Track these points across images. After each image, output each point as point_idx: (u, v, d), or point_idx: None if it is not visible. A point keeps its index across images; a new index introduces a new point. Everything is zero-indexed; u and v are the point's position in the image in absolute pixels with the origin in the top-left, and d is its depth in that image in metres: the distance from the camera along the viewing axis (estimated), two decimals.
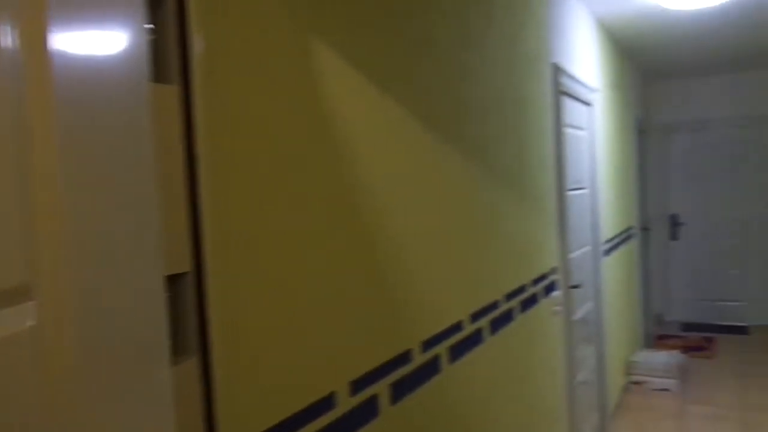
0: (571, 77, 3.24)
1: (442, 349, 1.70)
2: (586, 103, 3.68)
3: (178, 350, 0.89)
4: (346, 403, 1.27)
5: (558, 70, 2.96)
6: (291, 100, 1.14)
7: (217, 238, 0.95)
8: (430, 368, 1.64)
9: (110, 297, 0.66)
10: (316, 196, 1.20)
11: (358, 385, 1.31)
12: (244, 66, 1.02)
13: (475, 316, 1.94)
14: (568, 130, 3.23)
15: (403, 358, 1.50)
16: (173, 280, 0.88)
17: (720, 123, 6.38)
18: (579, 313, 3.34)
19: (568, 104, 3.25)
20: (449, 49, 1.81)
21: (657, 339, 5.99)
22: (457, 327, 1.80)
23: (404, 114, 1.54)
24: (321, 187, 1.21)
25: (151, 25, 0.85)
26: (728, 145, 6.37)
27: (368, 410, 1.35)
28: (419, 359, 1.57)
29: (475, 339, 1.93)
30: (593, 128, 3.77)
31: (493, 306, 2.10)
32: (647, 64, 5.68)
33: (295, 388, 1.12)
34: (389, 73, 1.48)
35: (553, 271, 2.83)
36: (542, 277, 2.66)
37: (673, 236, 6.66)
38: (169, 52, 0.87)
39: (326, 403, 1.21)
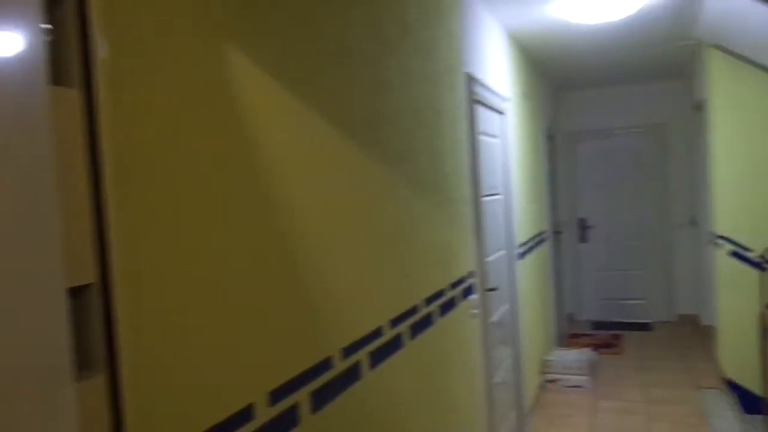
0: (485, 87, 3.34)
1: (362, 355, 1.71)
2: (499, 112, 3.81)
3: (83, 366, 0.84)
4: (264, 414, 1.25)
5: (472, 80, 3.05)
6: (202, 105, 1.11)
7: (124, 247, 0.91)
8: (351, 375, 1.63)
9: (5, 310, 0.62)
10: (230, 202, 1.18)
11: (277, 395, 1.29)
12: (151, 70, 0.99)
13: (395, 322, 1.96)
14: (483, 138, 3.33)
15: (324, 365, 1.49)
16: (77, 292, 0.84)
17: (621, 131, 6.77)
18: (496, 315, 3.43)
19: (482, 113, 3.35)
20: (365, 59, 1.83)
21: (569, 338, 6.25)
22: (377, 333, 1.81)
23: (320, 121, 1.54)
24: (236, 192, 1.19)
25: (50, 26, 0.81)
26: (629, 152, 6.77)
27: (288, 420, 1.33)
28: (340, 366, 1.57)
29: (395, 344, 1.95)
30: (506, 136, 3.90)
31: (413, 311, 2.12)
32: (555, 75, 5.95)
33: (211, 402, 1.09)
34: (304, 80, 1.47)
35: (471, 275, 2.90)
36: (460, 281, 2.72)
37: (582, 239, 6.98)
38: (69, 54, 0.83)
39: (244, 415, 1.18)
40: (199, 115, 1.10)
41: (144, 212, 0.96)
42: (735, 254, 4.41)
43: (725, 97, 4.41)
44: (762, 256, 3.56)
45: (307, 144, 1.47)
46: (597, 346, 5.82)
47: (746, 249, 4.34)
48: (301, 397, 1.39)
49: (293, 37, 1.43)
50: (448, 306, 2.53)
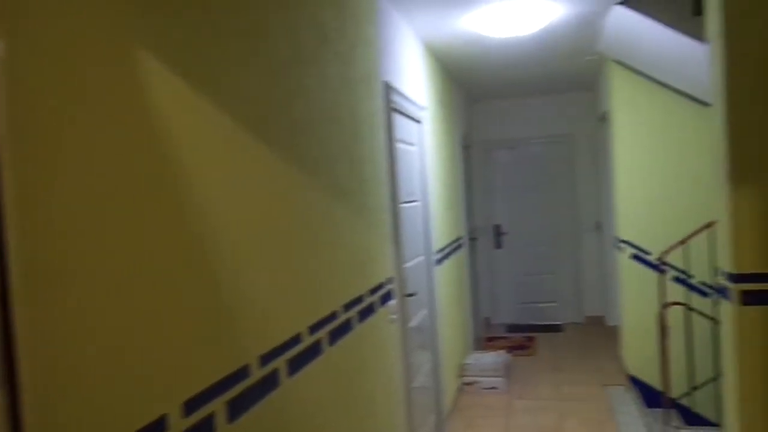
0: (402, 95, 3.40)
1: (280, 362, 1.69)
2: (416, 120, 3.88)
3: None
4: (178, 425, 1.21)
5: (389, 89, 3.09)
6: (110, 107, 1.07)
7: (24, 258, 0.87)
8: (269, 383, 1.61)
9: None
10: (141, 207, 1.14)
11: (192, 405, 1.26)
12: (53, 69, 0.95)
13: (314, 328, 1.95)
14: (400, 146, 3.38)
15: (241, 373, 1.46)
16: None
17: (533, 141, 7.06)
18: (414, 321, 3.48)
19: (400, 121, 3.40)
20: (282, 65, 1.82)
21: (486, 341, 6.43)
22: (295, 339, 1.80)
23: (236, 126, 1.52)
24: (147, 198, 1.16)
25: None
26: (540, 161, 7.06)
27: (204, 430, 1.30)
28: (257, 374, 1.55)
29: (313, 351, 1.94)
30: (423, 144, 3.98)
31: (332, 317, 2.12)
32: (470, 86, 6.13)
33: (120, 414, 1.05)
34: (219, 84, 1.45)
35: (389, 280, 2.93)
36: (379, 287, 2.74)
37: (498, 245, 7.20)
38: None
39: (157, 426, 1.14)
40: (107, 117, 1.06)
41: (46, 215, 0.92)
42: (636, 257, 4.68)
43: (625, 109, 4.69)
44: (659, 259, 3.80)
45: (223, 149, 1.45)
46: (512, 349, 6.01)
47: (646, 252, 4.62)
48: (217, 406, 1.36)
49: (207, 41, 1.41)
50: (367, 312, 2.54)
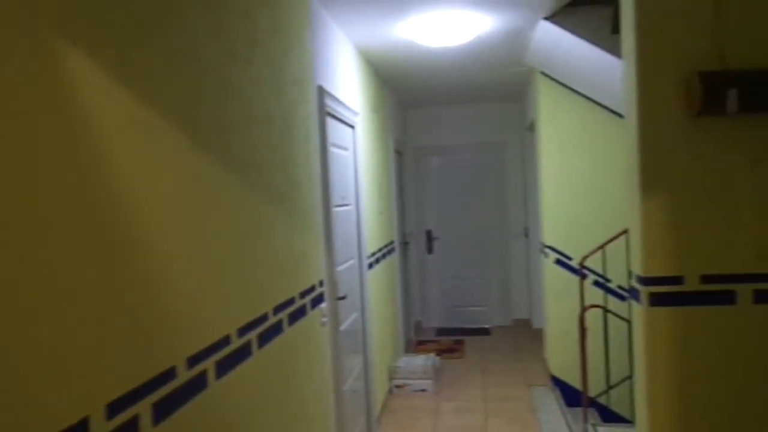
0: (336, 100, 3.43)
1: (209, 364, 1.68)
2: (350, 125, 3.92)
3: None
4: (101, 428, 1.19)
5: (323, 93, 3.12)
6: (27, 103, 1.05)
7: None
8: (197, 385, 1.60)
9: None
10: (64, 207, 1.12)
11: (115, 408, 1.24)
12: None
13: (244, 330, 1.95)
14: (334, 150, 3.41)
15: (167, 375, 1.45)
16: None
17: (464, 148, 7.23)
18: (345, 324, 3.51)
19: (333, 125, 3.43)
20: (216, 67, 1.82)
21: (417, 345, 6.52)
22: (224, 341, 1.79)
23: (166, 126, 1.51)
24: (70, 197, 1.14)
25: None
26: (471, 168, 7.25)
27: None
28: (184, 376, 1.54)
29: (243, 353, 1.94)
30: (356, 149, 4.02)
31: (263, 319, 2.12)
32: (403, 93, 6.23)
33: (40, 417, 1.03)
34: (148, 84, 1.44)
35: (321, 283, 2.95)
36: (310, 290, 2.75)
37: (429, 250, 7.33)
38: None
39: (78, 429, 1.12)
40: (23, 112, 1.04)
41: None
42: (559, 262, 4.88)
43: (550, 120, 4.89)
44: (580, 264, 3.99)
45: (150, 148, 1.44)
46: (441, 352, 6.12)
47: (568, 258, 4.83)
48: (142, 409, 1.34)
49: (138, 42, 1.40)
50: (298, 314, 2.55)
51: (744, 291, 2.11)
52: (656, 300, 2.13)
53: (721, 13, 2.10)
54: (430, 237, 7.32)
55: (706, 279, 2.12)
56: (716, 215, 2.11)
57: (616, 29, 3.42)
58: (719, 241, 2.11)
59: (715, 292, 2.12)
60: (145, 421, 1.35)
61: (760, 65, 2.07)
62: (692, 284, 2.13)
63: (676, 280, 2.13)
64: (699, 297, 2.13)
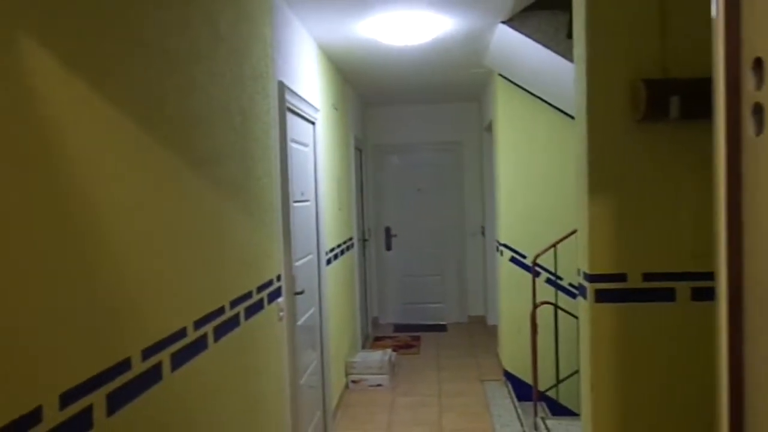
0: (296, 95, 3.44)
1: (164, 356, 1.69)
2: (310, 121, 3.93)
3: None
4: (54, 417, 1.20)
5: (284, 88, 3.13)
6: None
7: None
8: (151, 376, 1.61)
9: None
10: (18, 195, 1.13)
11: (69, 397, 1.25)
12: None
13: (200, 323, 1.96)
14: (294, 146, 3.42)
15: (122, 366, 1.46)
16: None
17: (423, 147, 7.32)
18: (303, 319, 3.53)
19: (294, 121, 3.45)
20: (175, 60, 1.82)
21: (374, 340, 6.58)
22: (180, 334, 1.80)
23: (124, 118, 1.51)
24: (25, 185, 1.14)
25: None
26: (430, 167, 7.34)
27: (81, 423, 1.29)
28: (139, 367, 1.55)
29: (199, 346, 1.95)
30: (316, 145, 4.04)
31: (219, 312, 2.14)
32: (364, 90, 6.27)
33: None
34: (109, 76, 1.44)
35: (279, 278, 2.97)
36: (268, 284, 2.77)
37: (388, 247, 7.39)
38: None
39: (31, 418, 1.13)
40: None
41: None
42: (514, 260, 5.01)
43: (507, 121, 5.01)
44: (533, 262, 4.10)
45: (109, 140, 1.44)
46: (398, 347, 6.20)
47: (522, 256, 4.95)
48: (96, 399, 1.35)
49: (97, 31, 1.40)
50: (256, 308, 2.57)
51: (682, 288, 2.22)
52: (601, 296, 2.23)
53: (666, 24, 2.21)
54: (388, 234, 7.38)
55: (647, 277, 2.23)
56: (658, 216, 2.22)
57: (571, 34, 3.53)
58: (660, 240, 2.22)
59: (656, 290, 2.23)
60: (99, 411, 1.36)
61: (700, 74, 2.18)
62: (635, 281, 2.23)
63: (620, 277, 2.23)
64: (641, 294, 2.23)
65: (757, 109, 0.57)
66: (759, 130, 0.57)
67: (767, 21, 0.53)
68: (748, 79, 0.58)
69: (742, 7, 0.58)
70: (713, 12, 0.62)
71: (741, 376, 0.63)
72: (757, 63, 0.56)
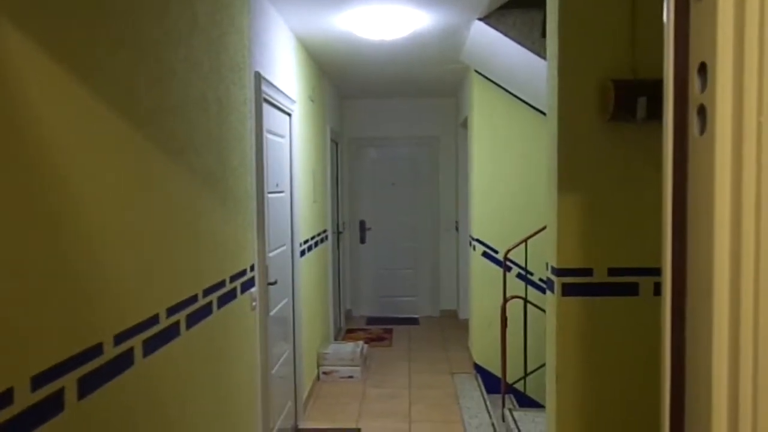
0: (273, 87, 3.45)
1: (136, 342, 1.70)
2: (287, 113, 3.94)
3: None
4: (26, 399, 1.21)
5: (260, 79, 3.14)
6: None
7: None
8: (123, 361, 1.63)
9: None
10: None
11: (40, 380, 1.26)
12: None
13: (172, 310, 1.97)
14: (269, 137, 3.43)
15: (94, 351, 1.47)
16: None
17: (399, 141, 7.36)
18: (275, 309, 3.55)
19: (270, 112, 3.45)
20: (151, 48, 1.83)
21: (346, 332, 6.61)
22: (153, 320, 1.82)
23: (100, 103, 1.52)
24: (1, 173, 1.15)
25: None
26: (405, 161, 7.39)
27: (52, 406, 1.30)
28: (111, 352, 1.56)
29: (171, 333, 1.96)
30: (292, 136, 4.05)
31: (192, 300, 2.15)
32: (341, 83, 6.28)
33: None
34: (85, 62, 1.45)
35: (252, 268, 2.98)
36: (241, 274, 2.79)
37: (362, 240, 7.43)
38: None
39: (2, 399, 1.14)
40: None
41: None
42: (486, 255, 5.08)
43: (482, 117, 5.06)
44: (504, 257, 4.17)
45: (84, 125, 1.45)
46: (370, 340, 6.24)
47: (494, 251, 5.03)
48: (67, 382, 1.36)
49: (73, 18, 1.40)
50: (228, 297, 2.58)
51: (646, 283, 2.30)
52: (568, 290, 2.30)
53: (637, 26, 2.27)
54: (363, 227, 7.41)
55: (612, 271, 2.30)
56: (624, 213, 2.29)
57: (545, 33, 3.59)
58: (625, 237, 2.29)
59: (620, 284, 2.31)
60: (70, 394, 1.37)
61: None
62: (600, 276, 2.30)
63: (586, 271, 2.30)
64: (606, 288, 2.30)
65: (702, 110, 0.61)
66: (702, 129, 0.61)
67: (711, 28, 0.58)
68: (695, 82, 0.62)
69: (691, 15, 0.62)
70: (665, 18, 0.66)
71: (683, 366, 0.68)
72: (702, 67, 0.60)
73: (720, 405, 0.58)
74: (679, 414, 0.67)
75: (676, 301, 0.66)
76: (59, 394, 1.33)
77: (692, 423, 0.64)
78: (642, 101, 2.16)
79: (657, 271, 2.31)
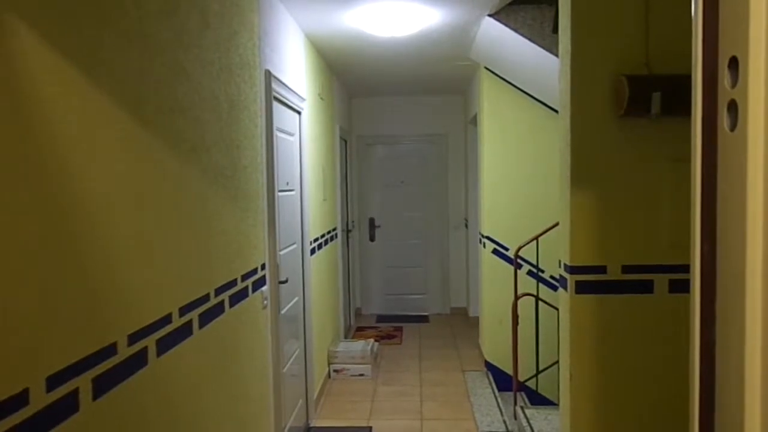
0: (283, 85, 3.44)
1: (149, 341, 1.70)
2: (296, 111, 3.93)
3: None
4: (41, 400, 1.21)
5: (270, 77, 3.13)
6: None
7: None
8: (137, 361, 1.63)
9: None
10: (7, 179, 1.13)
11: (55, 380, 1.26)
12: None
13: (185, 309, 1.97)
14: (279, 135, 3.42)
15: (108, 351, 1.47)
16: None
17: (408, 138, 7.34)
18: (286, 308, 3.55)
19: (280, 110, 3.45)
20: (164, 47, 1.82)
21: (356, 330, 6.61)
22: (166, 320, 1.82)
23: (112, 103, 1.52)
24: (13, 170, 1.15)
25: None
26: (414, 158, 7.37)
27: (67, 406, 1.30)
28: (125, 352, 1.56)
29: (184, 332, 1.96)
30: (302, 134, 4.05)
31: (204, 299, 2.15)
32: (351, 81, 6.26)
33: None
34: (97, 62, 1.44)
35: (263, 266, 2.98)
36: (252, 273, 2.78)
37: (371, 237, 7.42)
38: None
39: (18, 400, 1.14)
40: None
41: None
42: (496, 252, 5.05)
43: (492, 114, 5.04)
44: (515, 254, 4.15)
45: (96, 125, 1.45)
46: (380, 338, 6.23)
47: (505, 248, 5.01)
48: (82, 383, 1.36)
49: (84, 18, 1.40)
50: (240, 296, 2.58)
51: (660, 280, 2.27)
52: (581, 288, 2.28)
53: (650, 21, 2.25)
54: (372, 225, 7.40)
55: (626, 269, 2.27)
56: (638, 209, 2.27)
57: (557, 29, 3.56)
58: (640, 233, 2.27)
59: (634, 282, 2.28)
60: (85, 394, 1.37)
61: (682, 71, 2.22)
62: (614, 273, 2.28)
63: (599, 269, 2.28)
64: (620, 285, 2.28)
65: (732, 105, 0.60)
66: (733, 125, 0.59)
67: (743, 22, 0.56)
68: (725, 77, 0.61)
69: (720, 8, 0.61)
70: (693, 12, 0.64)
71: (712, 365, 0.67)
72: (733, 62, 0.59)
73: (753, 408, 0.56)
74: (708, 415, 0.66)
75: (705, 302, 0.65)
76: (74, 394, 1.33)
77: (723, 425, 0.62)
78: (656, 97, 2.14)
79: (672, 269, 2.29)
